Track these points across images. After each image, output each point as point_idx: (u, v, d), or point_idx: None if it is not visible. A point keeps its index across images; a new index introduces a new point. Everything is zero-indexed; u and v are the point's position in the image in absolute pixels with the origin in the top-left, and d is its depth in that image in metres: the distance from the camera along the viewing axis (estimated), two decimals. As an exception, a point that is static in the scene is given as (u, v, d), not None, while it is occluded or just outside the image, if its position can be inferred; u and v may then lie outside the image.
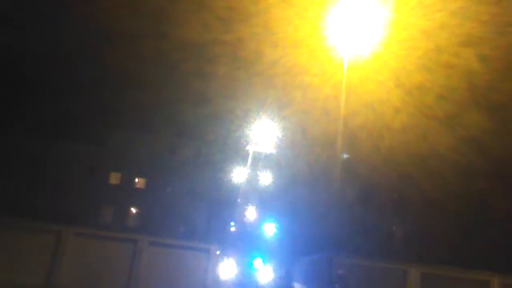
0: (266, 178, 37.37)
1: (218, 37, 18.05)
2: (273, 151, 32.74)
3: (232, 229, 39.59)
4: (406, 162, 20.64)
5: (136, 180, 35.23)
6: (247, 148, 33.45)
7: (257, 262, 32.35)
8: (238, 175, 36.24)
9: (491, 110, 17.84)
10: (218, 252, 13.14)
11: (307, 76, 17.63)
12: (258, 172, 36.80)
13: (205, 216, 35.30)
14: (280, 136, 29.54)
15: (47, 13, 23.47)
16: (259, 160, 35.02)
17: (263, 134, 30.36)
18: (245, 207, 41.74)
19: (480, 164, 19.12)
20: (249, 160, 34.68)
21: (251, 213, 42.42)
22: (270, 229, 40.01)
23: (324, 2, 13.77)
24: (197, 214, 34.78)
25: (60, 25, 23.94)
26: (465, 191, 20.33)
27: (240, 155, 34.87)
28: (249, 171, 35.57)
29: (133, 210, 34.88)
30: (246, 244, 34.93)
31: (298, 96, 20.79)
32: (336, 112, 17.57)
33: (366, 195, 23.48)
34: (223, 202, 36.70)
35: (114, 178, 34.61)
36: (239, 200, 39.03)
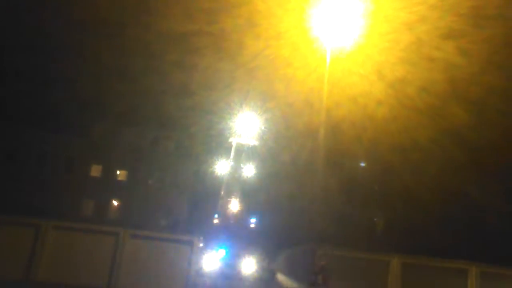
0: (249, 170, 37.41)
1: (202, 28, 17.84)
2: (256, 143, 32.75)
3: (216, 221, 39.58)
4: (388, 154, 20.88)
5: (118, 172, 34.82)
6: (230, 140, 33.35)
7: (239, 254, 32.49)
8: (221, 167, 36.16)
9: (471, 103, 18.13)
10: (201, 244, 13.09)
11: (290, 68, 17.64)
12: (241, 164, 36.79)
13: (188, 208, 35.17)
14: (263, 128, 29.56)
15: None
16: (242, 152, 34.98)
17: (246, 126, 30.31)
18: (229, 199, 41.73)
19: (460, 155, 19.45)
20: (232, 152, 34.59)
21: (234, 205, 42.45)
22: (253, 221, 40.17)
23: (307, -6, 13.75)
24: (180, 206, 34.62)
25: (41, 14, 23.39)
26: (444, 182, 20.69)
27: (223, 147, 34.78)
28: (232, 163, 35.49)
29: (115, 202, 34.51)
30: (229, 236, 34.94)
31: (281, 88, 20.81)
32: (319, 104, 17.67)
33: (348, 186, 23.70)
34: (206, 194, 36.61)
35: (95, 171, 34.13)
36: (222, 192, 38.98)
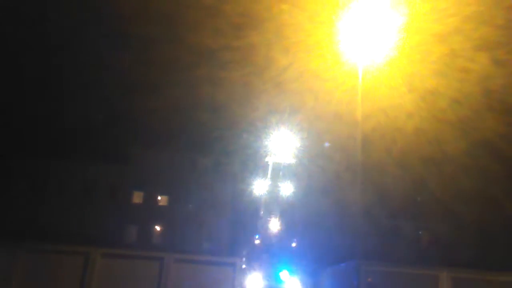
0: (287, 188, 37.26)
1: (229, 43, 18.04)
2: (292, 161, 32.68)
3: (257, 241, 39.46)
4: (423, 167, 20.38)
5: (159, 197, 35.53)
6: (266, 159, 33.47)
7: (284, 274, 32.14)
8: (259, 186, 36.22)
9: (506, 114, 17.51)
10: (244, 266, 13.11)
11: (319, 81, 17.66)
12: (279, 182, 36.74)
13: (229, 229, 35.28)
14: (297, 145, 29.49)
15: (61, 23, 23.90)
16: (279, 171, 34.98)
17: (281, 145, 30.37)
18: (268, 218, 41.62)
19: (495, 167, 18.75)
20: (269, 172, 34.67)
21: (274, 224, 42.25)
22: (294, 239, 39.71)
23: (336, 7, 13.83)
24: (221, 228, 34.80)
25: (78, 35, 24.29)
26: (480, 195, 19.96)
27: (260, 167, 34.90)
28: (270, 182, 35.53)
29: (157, 228, 35.13)
30: (272, 256, 34.73)
31: (311, 102, 20.81)
32: (350, 118, 17.55)
33: (387, 200, 23.18)
34: (246, 215, 36.66)
35: (137, 197, 34.99)
36: (261, 212, 38.96)
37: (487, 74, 16.01)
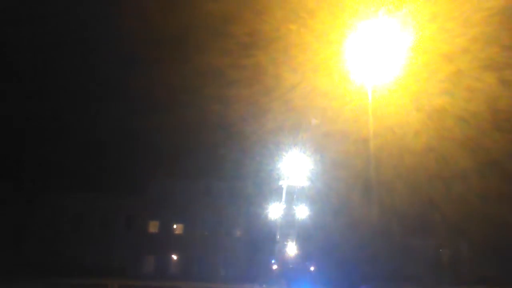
0: (302, 212, 36.97)
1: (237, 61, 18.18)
2: (306, 183, 32.51)
3: (274, 266, 38.96)
4: (428, 185, 20.21)
5: (174, 226, 35.51)
6: (280, 183, 33.35)
7: None
8: (274, 210, 36.01)
9: None
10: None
11: (326, 99, 17.74)
12: (293, 206, 36.50)
13: (246, 255, 34.98)
14: (309, 167, 29.37)
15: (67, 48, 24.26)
16: (294, 194, 34.79)
17: (293, 167, 30.30)
18: (285, 242, 41.18)
19: (503, 187, 18.51)
20: (284, 195, 34.50)
21: (291, 248, 41.76)
22: (312, 263, 39.15)
23: (344, 27, 14.01)
24: (237, 254, 34.52)
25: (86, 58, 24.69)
26: (489, 213, 19.66)
27: (274, 190, 34.76)
28: (285, 205, 35.32)
29: (174, 256, 34.99)
30: (290, 280, 34.20)
31: (320, 120, 20.88)
32: (359, 136, 17.56)
33: (401, 219, 22.89)
34: (262, 239, 36.35)
35: (153, 227, 35.02)
36: (278, 236, 38.59)
37: (494, 94, 16.01)
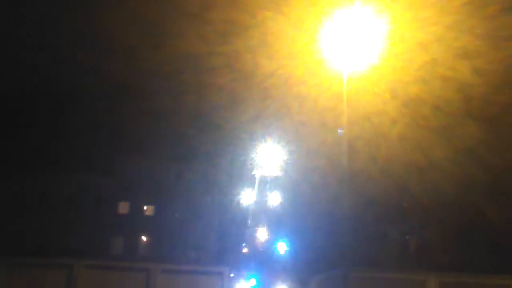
0: (274, 199, 37.26)
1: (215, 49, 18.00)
2: (279, 173, 32.73)
3: (244, 250, 39.25)
4: (404, 173, 20.58)
5: (145, 208, 35.15)
6: (253, 173, 33.51)
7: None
8: (247, 197, 36.15)
9: (486, 122, 17.81)
10: (231, 275, 12.99)
11: (303, 87, 17.76)
12: (266, 193, 36.75)
13: (216, 239, 35.07)
14: (283, 156, 29.50)
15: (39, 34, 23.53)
16: (266, 183, 35.01)
17: (268, 157, 30.39)
18: (256, 228, 41.50)
19: (477, 174, 19.02)
20: (256, 184, 34.68)
21: (262, 233, 42.11)
22: (282, 248, 39.61)
23: (321, 15, 13.98)
24: (208, 237, 34.56)
25: (59, 42, 24.02)
26: (462, 201, 20.23)
27: (246, 177, 34.85)
28: (257, 193, 35.54)
29: (144, 238, 34.70)
30: (259, 264, 34.58)
31: (294, 107, 20.92)
32: (334, 124, 17.65)
33: (373, 206, 23.33)
34: (233, 224, 36.51)
35: (123, 208, 34.55)
36: (249, 222, 38.84)
37: (468, 82, 16.30)
